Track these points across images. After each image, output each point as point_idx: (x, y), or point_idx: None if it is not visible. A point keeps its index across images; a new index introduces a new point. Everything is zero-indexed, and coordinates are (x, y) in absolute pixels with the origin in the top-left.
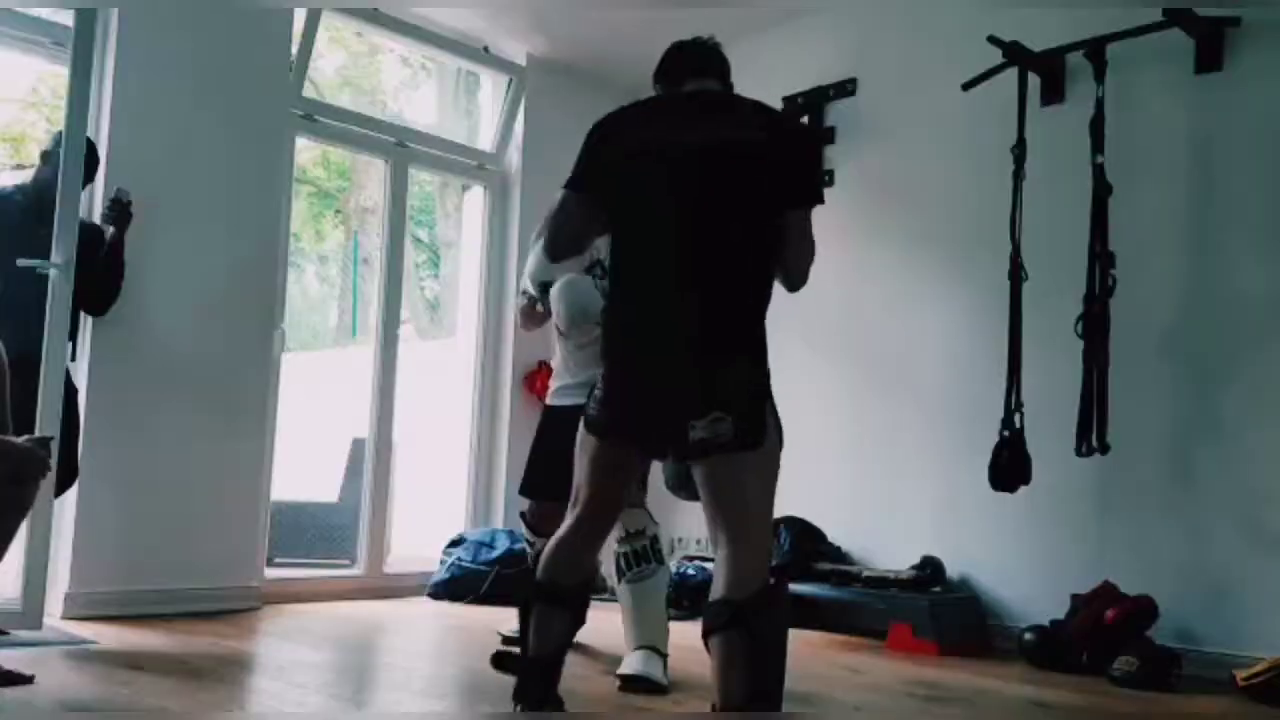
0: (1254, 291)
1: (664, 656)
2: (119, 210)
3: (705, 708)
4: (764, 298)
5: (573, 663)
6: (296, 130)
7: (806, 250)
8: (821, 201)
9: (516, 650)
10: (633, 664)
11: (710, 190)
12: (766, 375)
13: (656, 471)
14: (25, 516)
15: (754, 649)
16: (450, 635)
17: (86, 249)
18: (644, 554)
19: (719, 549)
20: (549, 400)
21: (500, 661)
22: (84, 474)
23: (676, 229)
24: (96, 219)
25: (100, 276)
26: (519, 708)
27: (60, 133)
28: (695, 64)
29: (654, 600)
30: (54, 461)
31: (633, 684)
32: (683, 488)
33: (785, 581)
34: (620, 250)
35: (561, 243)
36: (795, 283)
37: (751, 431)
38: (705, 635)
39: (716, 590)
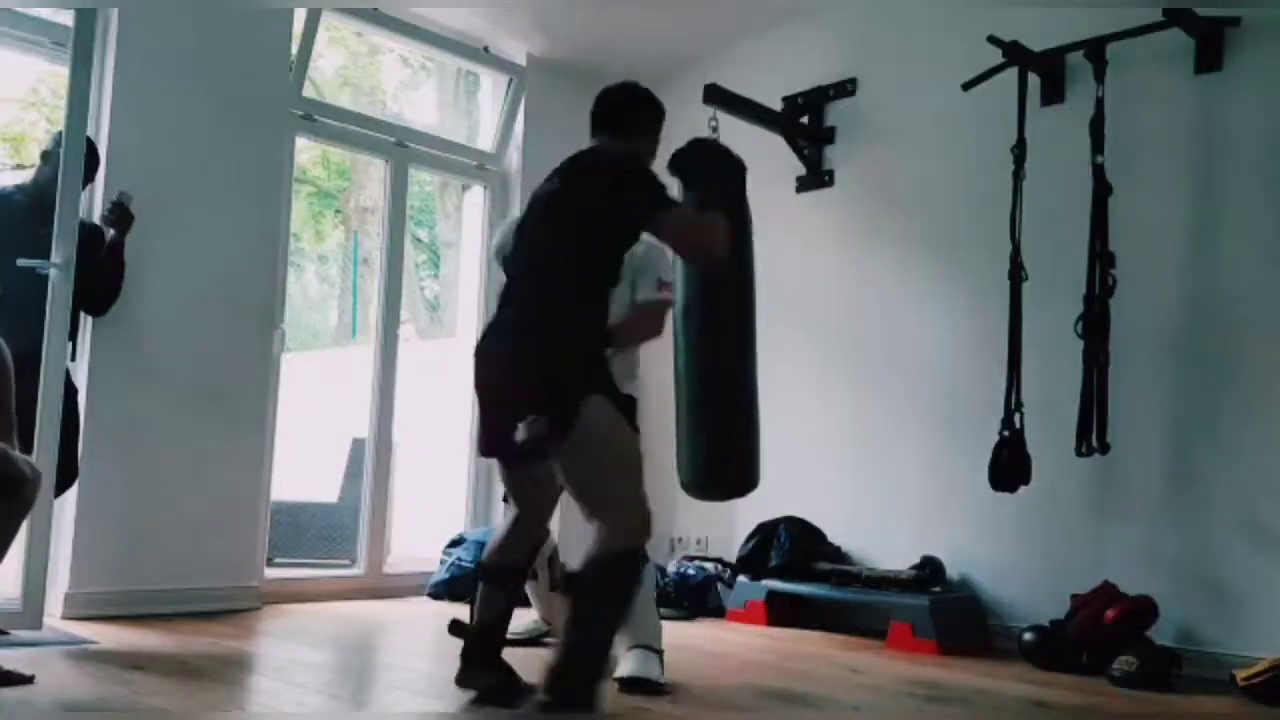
0: (1254, 291)
1: (659, 653)
2: (120, 213)
3: (705, 707)
4: (570, 312)
5: None
6: (296, 130)
7: (690, 241)
8: (666, 205)
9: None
10: (630, 665)
11: (541, 226)
12: (585, 371)
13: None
14: (21, 522)
15: (579, 609)
16: (450, 635)
17: (86, 249)
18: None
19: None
20: None
21: (455, 628)
22: (84, 474)
23: (515, 258)
24: (96, 219)
25: (100, 277)
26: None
27: (60, 132)
28: (597, 120)
29: (643, 598)
30: (49, 477)
31: (631, 686)
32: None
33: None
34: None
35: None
36: (700, 264)
37: (562, 424)
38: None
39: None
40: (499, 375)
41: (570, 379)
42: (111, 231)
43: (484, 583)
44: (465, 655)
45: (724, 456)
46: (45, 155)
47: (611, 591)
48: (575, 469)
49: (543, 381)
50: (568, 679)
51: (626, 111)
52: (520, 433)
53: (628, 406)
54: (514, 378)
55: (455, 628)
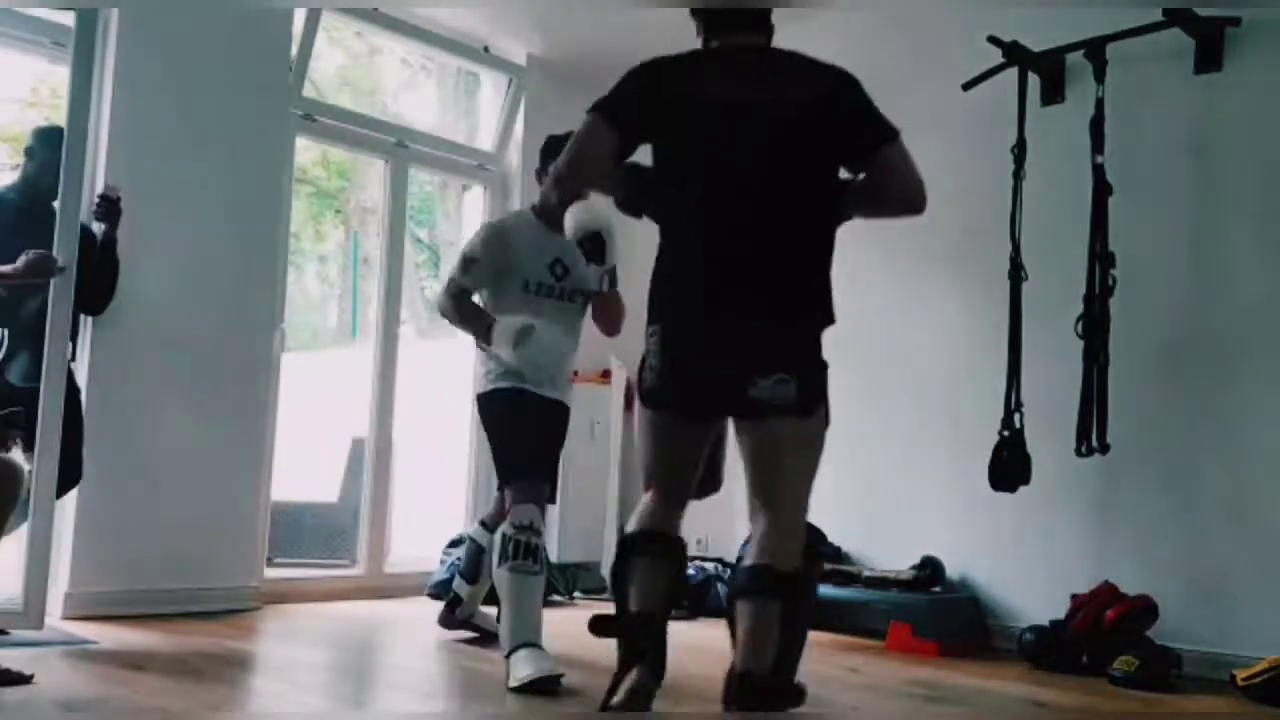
0: (1254, 291)
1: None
2: (108, 206)
3: (705, 708)
4: (828, 260)
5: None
6: (296, 130)
7: (913, 178)
8: (898, 131)
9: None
10: (527, 668)
11: (779, 149)
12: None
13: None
14: (13, 505)
15: (787, 619)
16: (451, 636)
17: (79, 249)
18: (532, 550)
19: (757, 518)
20: (497, 386)
21: (599, 625)
22: (84, 474)
23: (740, 186)
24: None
25: (95, 276)
26: (629, 669)
27: (41, 129)
28: (743, 17)
29: (536, 597)
30: (49, 477)
31: (531, 688)
32: None
33: (819, 563)
34: (674, 207)
35: (580, 171)
36: (917, 205)
37: (812, 397)
38: (736, 597)
39: (754, 557)
40: (744, 319)
41: (819, 349)
42: (103, 228)
43: (638, 554)
44: (628, 657)
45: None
46: (29, 151)
47: (812, 593)
48: (806, 448)
49: (803, 343)
50: (788, 672)
51: (769, 18)
52: (761, 390)
53: None
54: (770, 329)
55: (599, 625)
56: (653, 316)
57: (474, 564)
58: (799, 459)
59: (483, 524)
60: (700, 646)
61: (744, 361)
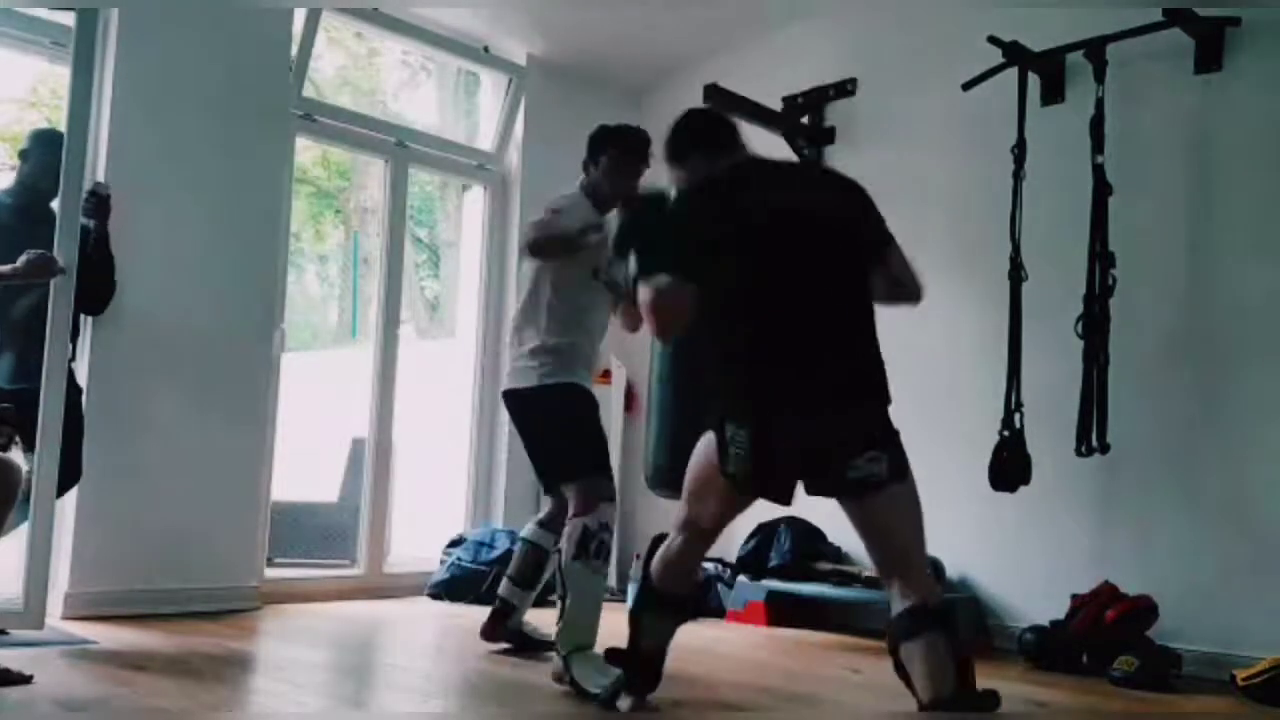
0: (1254, 291)
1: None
2: (97, 203)
3: (705, 707)
4: (876, 342)
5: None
6: (296, 130)
7: (911, 271)
8: (891, 237)
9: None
10: (602, 676)
11: (826, 247)
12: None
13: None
14: (12, 504)
15: (956, 645)
16: (450, 635)
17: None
18: (607, 551)
19: (889, 580)
20: (572, 380)
21: (614, 657)
22: (84, 474)
23: (803, 284)
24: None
25: (92, 274)
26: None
27: (36, 131)
28: (730, 135)
29: (601, 599)
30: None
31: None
32: (665, 485)
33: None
34: (750, 306)
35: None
36: (916, 296)
37: (901, 467)
38: (904, 640)
39: (902, 600)
40: (820, 410)
41: (891, 423)
42: (93, 224)
43: (657, 610)
44: (631, 685)
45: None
46: (23, 154)
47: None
48: (903, 509)
49: (881, 421)
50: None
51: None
52: (858, 470)
53: None
54: (852, 416)
55: (615, 657)
56: (734, 413)
57: (533, 567)
58: (905, 520)
59: (541, 525)
60: (702, 648)
61: (839, 447)
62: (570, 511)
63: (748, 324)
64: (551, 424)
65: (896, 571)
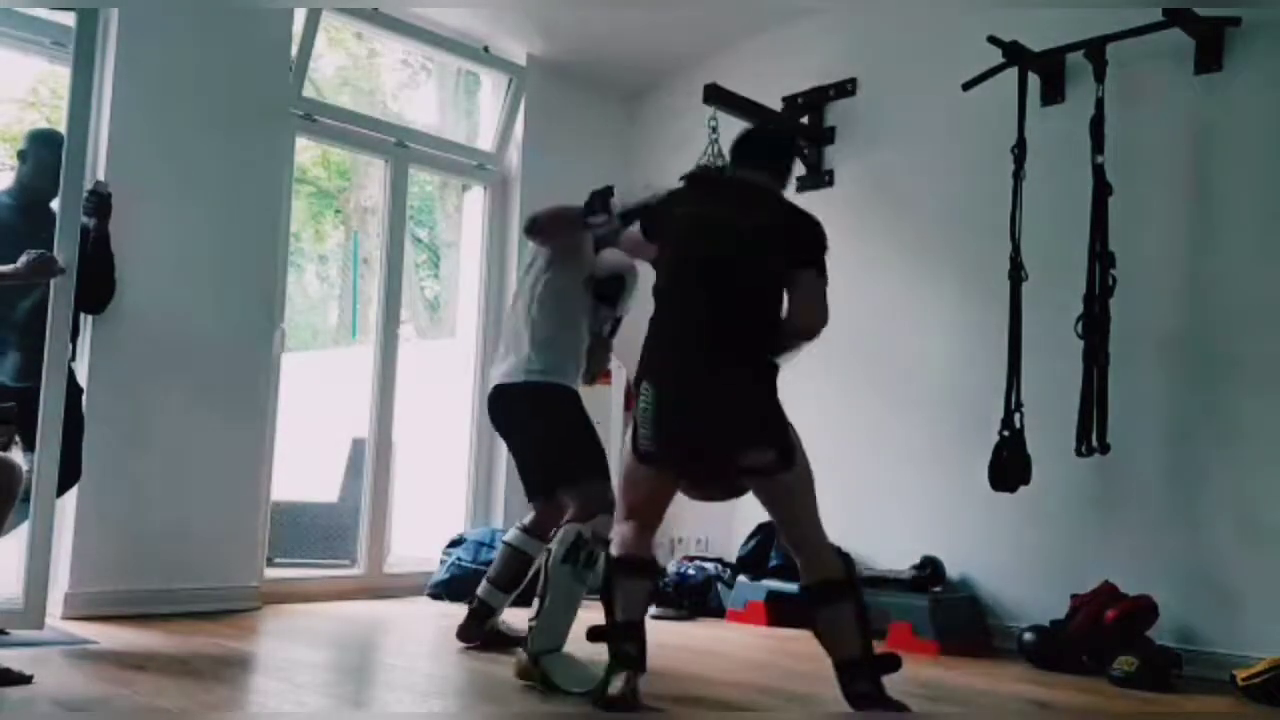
0: (1253, 290)
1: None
2: (98, 202)
3: (705, 708)
4: (768, 340)
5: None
6: (296, 130)
7: (813, 308)
8: (822, 269)
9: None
10: (580, 681)
11: (733, 256)
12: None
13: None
14: (11, 503)
15: (861, 611)
16: (450, 635)
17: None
18: (595, 563)
19: (795, 557)
20: (565, 382)
21: (595, 634)
22: (84, 474)
23: (705, 280)
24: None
25: (92, 273)
26: (618, 670)
27: (34, 131)
28: (751, 153)
29: (578, 607)
30: (50, 477)
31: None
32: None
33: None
34: (661, 293)
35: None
36: (802, 332)
37: (788, 456)
38: (814, 609)
39: (807, 578)
40: (713, 410)
41: (780, 412)
42: (93, 223)
43: (625, 576)
44: (619, 658)
45: None
46: (21, 155)
47: (860, 586)
48: (793, 493)
49: (766, 416)
50: (870, 648)
51: (780, 154)
52: (749, 460)
53: None
54: (735, 412)
55: (595, 634)
56: (642, 374)
57: (515, 571)
58: (799, 504)
59: (525, 530)
60: (702, 648)
61: (730, 440)
62: (568, 515)
63: (658, 309)
64: (550, 425)
65: (799, 550)
